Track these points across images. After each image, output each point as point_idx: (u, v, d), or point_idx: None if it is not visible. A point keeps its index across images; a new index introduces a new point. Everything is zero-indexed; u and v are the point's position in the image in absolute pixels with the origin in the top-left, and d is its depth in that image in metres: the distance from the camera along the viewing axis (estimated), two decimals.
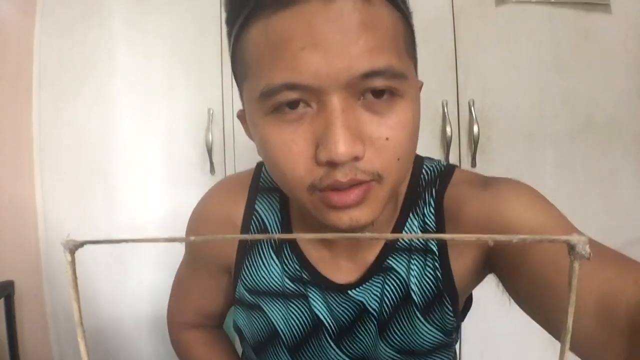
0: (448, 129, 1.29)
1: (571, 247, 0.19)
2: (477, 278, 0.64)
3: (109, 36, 1.35)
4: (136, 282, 1.37)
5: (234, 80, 0.55)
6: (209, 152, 1.32)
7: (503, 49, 1.31)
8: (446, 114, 1.29)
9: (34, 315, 1.34)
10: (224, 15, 0.53)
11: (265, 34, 0.45)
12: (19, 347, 1.19)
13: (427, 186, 0.64)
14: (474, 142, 1.29)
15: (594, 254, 0.19)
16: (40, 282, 1.36)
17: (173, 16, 1.35)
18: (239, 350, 0.83)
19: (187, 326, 0.80)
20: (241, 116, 0.58)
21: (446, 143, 1.30)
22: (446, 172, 0.64)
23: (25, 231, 1.34)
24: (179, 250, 0.78)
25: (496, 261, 0.58)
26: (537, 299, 0.51)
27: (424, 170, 0.65)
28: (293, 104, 0.46)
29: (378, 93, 0.45)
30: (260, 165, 0.71)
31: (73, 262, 0.19)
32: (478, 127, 1.28)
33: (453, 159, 1.32)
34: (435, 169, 0.65)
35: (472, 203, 0.58)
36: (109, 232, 1.34)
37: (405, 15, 0.49)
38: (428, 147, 1.30)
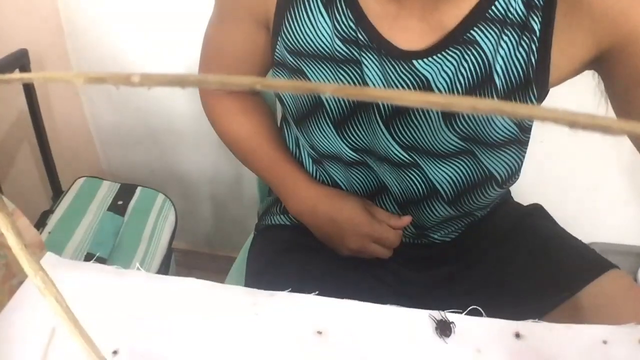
0: None
1: None
2: (576, 72, 0.53)
3: None
4: (167, 36, 1.23)
5: None
6: None
7: None
8: None
9: (62, 85, 1.28)
10: None
11: None
12: (50, 118, 1.15)
13: None
14: None
15: None
16: (65, 49, 1.27)
17: None
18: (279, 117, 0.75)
19: (220, 92, 0.71)
20: None
21: None
22: None
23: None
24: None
25: (610, 64, 0.47)
26: None
27: None
28: None
29: None
30: None
31: None
32: None
33: None
34: None
35: None
36: None
37: None
38: None
